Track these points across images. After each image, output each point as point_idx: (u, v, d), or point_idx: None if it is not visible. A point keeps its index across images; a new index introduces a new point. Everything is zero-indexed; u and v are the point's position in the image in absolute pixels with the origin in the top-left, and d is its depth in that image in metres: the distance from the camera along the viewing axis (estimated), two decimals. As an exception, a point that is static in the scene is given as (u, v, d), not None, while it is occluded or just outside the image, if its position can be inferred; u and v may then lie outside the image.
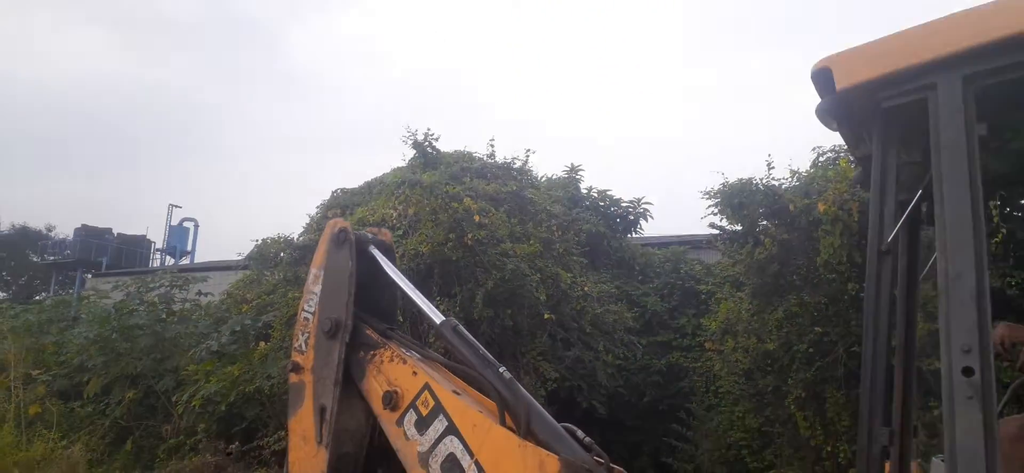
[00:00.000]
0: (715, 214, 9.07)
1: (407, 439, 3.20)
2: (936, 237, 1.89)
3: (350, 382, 3.56)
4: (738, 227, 10.27)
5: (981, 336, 1.81)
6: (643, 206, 14.69)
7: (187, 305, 14.99)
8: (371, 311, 3.71)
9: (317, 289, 3.70)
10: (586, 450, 2.88)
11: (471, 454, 2.99)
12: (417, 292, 3.49)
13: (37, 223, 53.19)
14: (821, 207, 7.65)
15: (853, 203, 7.49)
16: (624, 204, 14.52)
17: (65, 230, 47.34)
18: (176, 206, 42.57)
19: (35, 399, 12.51)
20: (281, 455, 9.56)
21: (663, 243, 16.49)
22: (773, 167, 9.31)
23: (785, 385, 9.36)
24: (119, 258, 38.83)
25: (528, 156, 13.21)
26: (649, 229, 15.54)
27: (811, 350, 8.93)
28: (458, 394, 3.19)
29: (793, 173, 9.26)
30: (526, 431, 2.92)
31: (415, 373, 3.28)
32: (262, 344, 11.63)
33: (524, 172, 12.88)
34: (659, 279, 14.21)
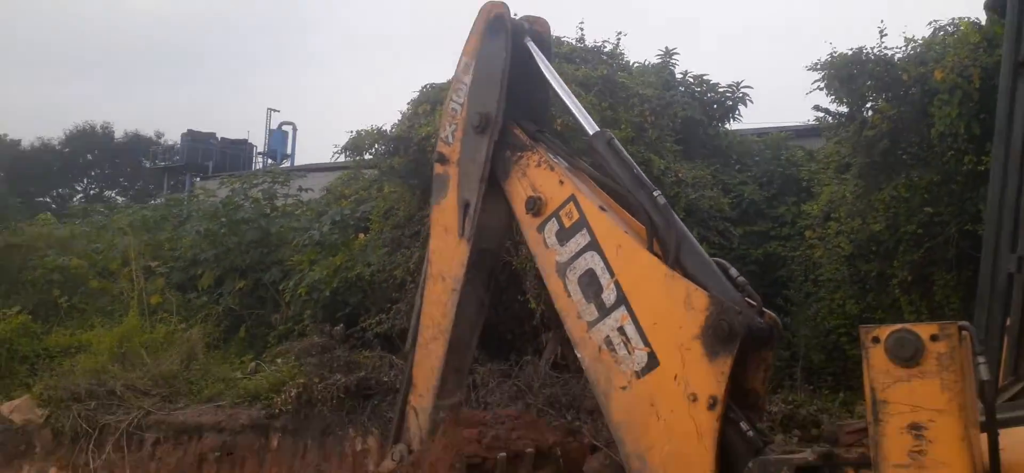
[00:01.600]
0: (821, 89, 8.57)
1: (546, 247, 3.14)
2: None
3: (494, 180, 3.48)
4: (844, 109, 9.72)
5: None
6: (742, 91, 14.05)
7: (289, 201, 15.58)
8: (521, 108, 3.53)
9: (467, 79, 3.55)
10: (738, 290, 2.73)
11: (612, 273, 2.89)
12: (571, 96, 3.32)
13: (147, 131, 56.09)
14: (938, 75, 7.11)
15: (974, 69, 6.93)
16: (721, 89, 13.92)
17: (173, 137, 49.79)
18: (274, 110, 43.90)
19: (155, 290, 13.42)
20: (383, 338, 9.97)
21: (763, 131, 15.86)
22: (886, 35, 8.64)
23: (890, 268, 9.00)
24: (223, 162, 40.60)
25: (619, 39, 12.73)
26: (749, 118, 14.89)
27: (920, 231, 8.50)
28: (605, 210, 3.05)
29: (908, 41, 8.59)
30: (675, 261, 2.79)
31: (562, 182, 3.15)
32: (361, 235, 12.02)
33: (615, 56, 12.46)
34: (758, 167, 13.71)
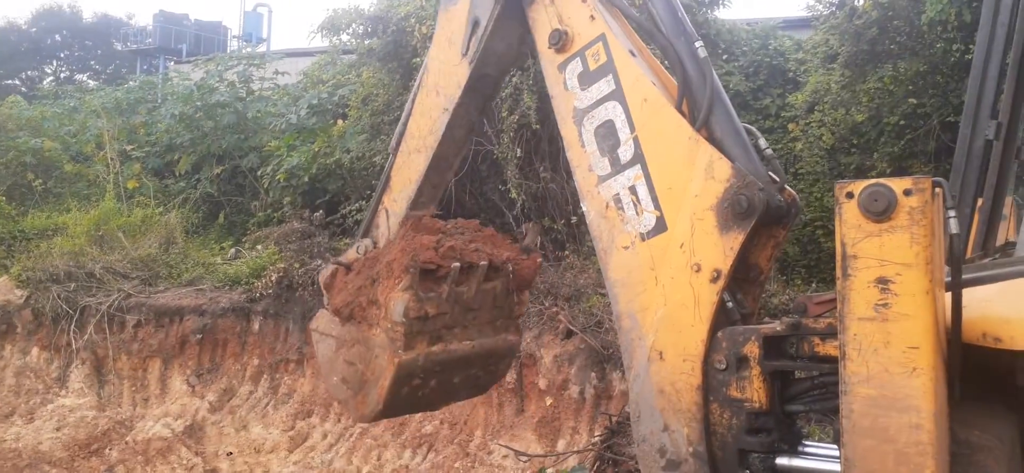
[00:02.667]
0: (811, -27, 8.34)
1: (566, 88, 2.93)
2: None
3: (513, 3, 3.17)
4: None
5: None
6: (730, -21, 13.64)
7: (265, 86, 15.23)
8: None
9: None
10: (764, 163, 2.62)
11: (632, 128, 2.74)
12: None
13: (117, 11, 54.04)
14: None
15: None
16: (710, -27, 13.52)
17: (144, 18, 48.12)
18: (249, -8, 42.41)
19: (132, 175, 13.24)
20: (360, 224, 9.98)
21: (754, 22, 15.53)
22: None
23: (870, 160, 9.01)
24: (197, 45, 39.45)
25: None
26: (739, 8, 14.53)
27: (902, 123, 8.47)
28: (635, 56, 2.85)
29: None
30: (703, 122, 2.65)
31: (593, 18, 2.88)
32: (339, 121, 11.82)
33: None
34: (745, 58, 13.48)
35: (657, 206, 2.67)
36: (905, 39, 8.08)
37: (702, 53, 2.75)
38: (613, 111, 2.79)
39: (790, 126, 11.05)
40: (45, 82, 45.96)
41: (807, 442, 2.58)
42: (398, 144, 3.71)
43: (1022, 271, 2.45)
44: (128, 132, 15.04)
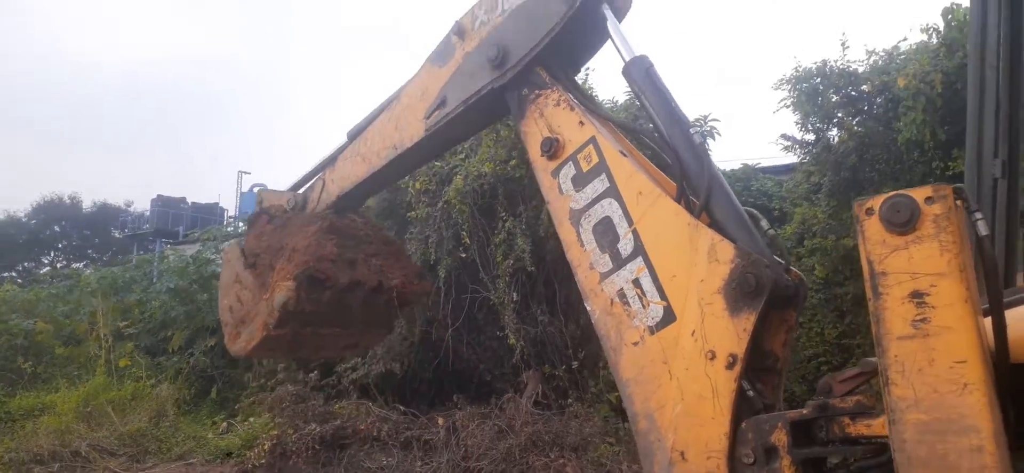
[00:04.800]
0: (788, 106, 8.66)
1: (560, 192, 2.96)
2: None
3: (486, 102, 3.29)
4: (811, 137, 9.86)
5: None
6: (710, 124, 14.18)
7: (260, 256, 15.31)
8: (555, 53, 3.19)
9: (506, 3, 3.22)
10: (768, 244, 2.58)
11: (630, 222, 2.73)
12: (629, 47, 3.01)
13: (116, 200, 55.47)
14: (901, 82, 7.22)
15: (936, 74, 7.03)
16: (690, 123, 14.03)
17: (143, 204, 49.26)
18: (245, 173, 43.82)
19: (124, 353, 13.05)
20: (359, 386, 9.72)
21: (734, 169, 16.01)
22: (848, 46, 8.79)
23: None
24: (194, 227, 40.16)
25: (587, 75, 12.84)
26: (718, 155, 15.02)
27: (894, 246, 8.51)
28: (626, 155, 2.88)
29: (869, 53, 8.76)
30: (702, 208, 2.64)
31: (582, 123, 2.95)
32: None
33: (584, 90, 12.54)
34: (729, 199, 13.79)
35: (663, 296, 2.60)
36: (884, 165, 8.28)
37: (697, 140, 2.75)
38: (609, 208, 2.80)
39: (782, 262, 11.14)
40: (42, 272, 46.36)
41: None
42: (353, 137, 3.87)
43: None
44: (122, 310, 14.97)
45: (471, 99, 3.27)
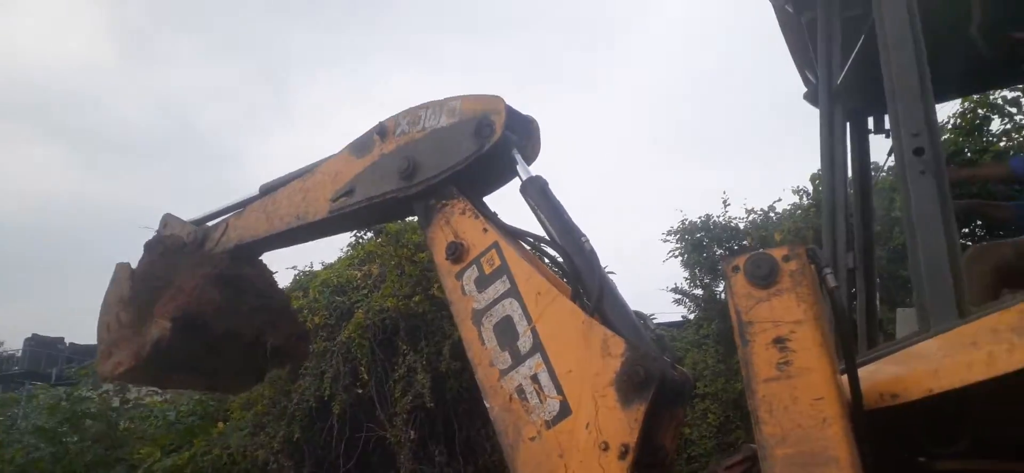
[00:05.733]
0: (676, 255, 9.21)
1: (464, 294, 3.08)
2: (880, 51, 2.05)
3: (393, 206, 3.49)
4: (699, 292, 10.44)
5: (928, 122, 1.96)
6: (608, 273, 14.75)
7: (144, 394, 14.47)
8: (464, 178, 3.33)
9: (431, 124, 3.37)
10: (656, 342, 2.72)
11: (529, 320, 2.84)
12: (528, 172, 3.16)
13: (-15, 341, 51.31)
14: (777, 236, 7.87)
15: (808, 231, 7.72)
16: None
17: (16, 344, 45.79)
18: (131, 315, 41.60)
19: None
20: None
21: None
22: (729, 204, 9.57)
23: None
24: (72, 366, 37.57)
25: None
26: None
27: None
28: (527, 261, 3.02)
29: (748, 212, 9.53)
30: (595, 309, 2.77)
31: (485, 231, 3.12)
32: (221, 423, 11.25)
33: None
34: (623, 352, 14.14)
35: (560, 390, 2.70)
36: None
37: (588, 246, 2.94)
38: (510, 307, 2.91)
39: (677, 411, 11.43)
40: None
41: None
42: (265, 192, 3.97)
43: (902, 345, 2.60)
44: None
45: (376, 198, 3.43)
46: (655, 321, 16.79)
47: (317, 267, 11.70)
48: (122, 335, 3.89)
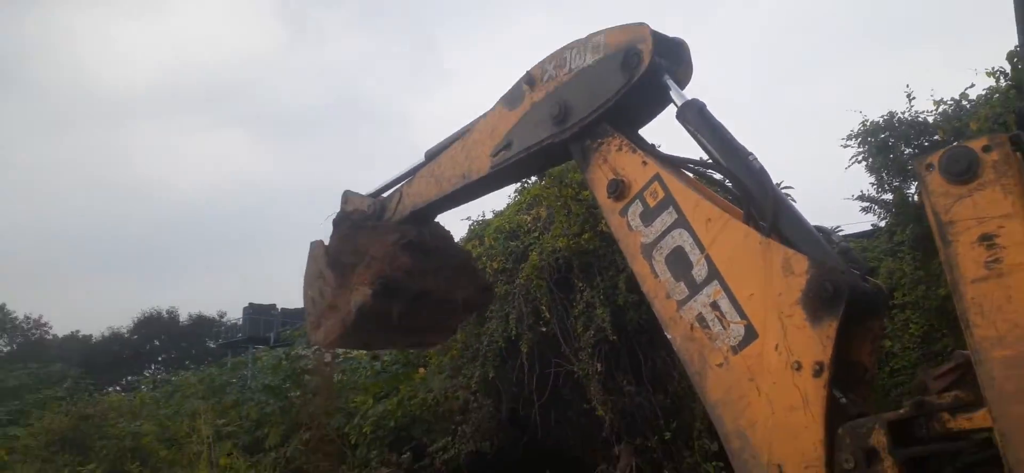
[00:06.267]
0: (860, 162, 8.63)
1: (630, 230, 3.04)
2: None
3: (551, 151, 3.49)
4: (888, 196, 9.73)
5: None
6: (784, 190, 14.08)
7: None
8: (616, 113, 3.26)
9: (577, 64, 3.33)
10: (842, 255, 2.63)
11: (702, 248, 2.78)
12: (684, 97, 3.11)
13: (210, 312, 57.96)
14: (973, 125, 7.15)
15: (1008, 116, 6.94)
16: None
17: (236, 314, 51.25)
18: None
19: (224, 453, 13.54)
20: (451, 466, 9.81)
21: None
22: (914, 97, 8.74)
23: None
24: (285, 329, 41.51)
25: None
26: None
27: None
28: (692, 189, 2.96)
29: (937, 103, 8.68)
30: (771, 229, 2.68)
31: (645, 163, 3.05)
32: (421, 369, 12.10)
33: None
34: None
35: (743, 315, 2.66)
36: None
37: (757, 164, 2.85)
38: (680, 238, 2.87)
39: (874, 322, 10.84)
40: (142, 386, 48.55)
41: None
42: (430, 158, 4.15)
43: None
44: (220, 411, 15.57)
45: (533, 148, 3.47)
46: (841, 233, 15.93)
47: (488, 216, 12.13)
48: (327, 305, 4.26)
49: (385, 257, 4.05)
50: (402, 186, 4.32)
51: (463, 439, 9.61)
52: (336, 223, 4.56)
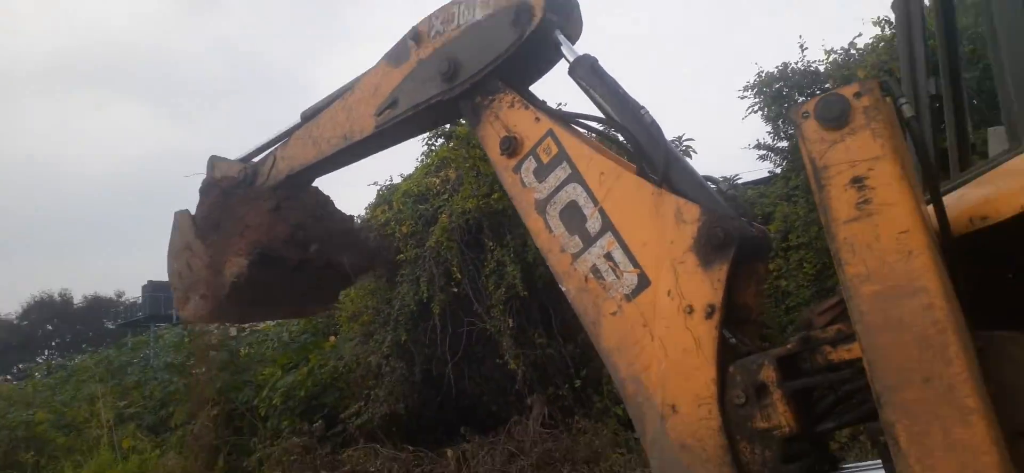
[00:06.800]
0: (756, 111, 8.94)
1: (524, 186, 3.02)
2: None
3: (440, 109, 3.37)
4: (784, 144, 10.12)
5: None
6: (685, 144, 14.44)
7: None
8: (507, 69, 3.19)
9: (466, 18, 3.23)
10: (729, 203, 2.67)
11: (595, 201, 2.81)
12: (575, 52, 3.08)
13: (107, 291, 55.22)
14: (861, 73, 7.49)
15: (893, 63, 7.30)
16: (664, 144, 14.27)
17: (135, 293, 49.03)
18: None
19: (126, 434, 13.01)
20: (364, 432, 9.73)
21: (712, 181, 16.20)
22: (806, 48, 9.09)
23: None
24: (187, 307, 40.03)
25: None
26: (697, 167, 15.15)
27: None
28: (585, 143, 2.96)
29: (828, 53, 9.05)
30: (663, 180, 2.71)
31: (537, 119, 3.04)
32: (331, 338, 11.90)
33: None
34: (710, 214, 13.98)
35: (636, 264, 2.70)
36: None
37: (648, 118, 2.87)
38: (574, 192, 2.89)
39: (770, 266, 11.34)
40: (36, 374, 46.00)
41: (845, 464, 2.48)
42: (307, 119, 3.92)
43: (992, 164, 2.51)
44: (121, 392, 14.94)
45: (421, 105, 3.36)
46: (741, 181, 16.51)
47: (397, 180, 11.96)
48: (196, 279, 4.03)
49: (261, 226, 3.86)
50: (276, 150, 4.09)
51: (376, 403, 9.54)
52: (203, 191, 4.28)
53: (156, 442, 13.16)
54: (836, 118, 2.01)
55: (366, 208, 13.71)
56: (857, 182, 1.95)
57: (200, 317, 4.07)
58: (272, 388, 10.97)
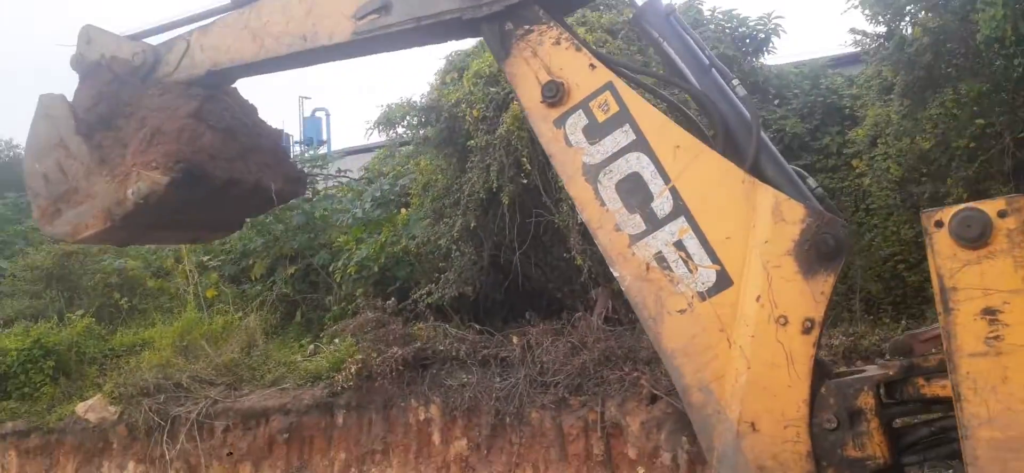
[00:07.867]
0: (857, 6, 8.29)
1: (568, 144, 2.62)
2: None
3: (451, 26, 2.75)
4: (882, 29, 9.40)
5: None
6: (774, 22, 13.62)
7: (330, 184, 15.74)
8: None
9: None
10: (819, 201, 2.46)
11: (667, 179, 2.44)
12: None
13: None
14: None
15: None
16: (752, 22, 13.52)
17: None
18: (306, 98, 43.93)
19: (210, 284, 13.75)
20: (435, 309, 10.05)
21: (800, 63, 15.41)
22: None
23: (944, 188, 8.74)
24: (263, 155, 41.03)
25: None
26: (784, 51, 14.41)
27: (972, 145, 8.21)
28: (655, 106, 2.56)
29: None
30: (753, 162, 2.44)
31: (593, 67, 2.59)
32: (403, 210, 12.11)
33: None
34: (797, 100, 13.31)
35: (715, 259, 2.44)
36: (962, 60, 7.90)
37: (741, 91, 2.56)
38: (637, 163, 2.53)
39: (854, 163, 10.83)
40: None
41: None
42: (243, 3, 3.19)
43: None
44: (203, 246, 15.64)
45: (426, 20, 2.77)
46: (828, 55, 15.60)
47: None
48: (72, 188, 3.14)
49: (180, 133, 3.05)
50: (192, 35, 3.28)
51: (446, 285, 9.79)
52: (86, 73, 3.33)
53: (236, 293, 13.90)
54: (975, 238, 1.80)
55: (434, 74, 13.60)
56: (989, 314, 1.78)
57: (80, 236, 3.16)
58: (348, 259, 11.34)
